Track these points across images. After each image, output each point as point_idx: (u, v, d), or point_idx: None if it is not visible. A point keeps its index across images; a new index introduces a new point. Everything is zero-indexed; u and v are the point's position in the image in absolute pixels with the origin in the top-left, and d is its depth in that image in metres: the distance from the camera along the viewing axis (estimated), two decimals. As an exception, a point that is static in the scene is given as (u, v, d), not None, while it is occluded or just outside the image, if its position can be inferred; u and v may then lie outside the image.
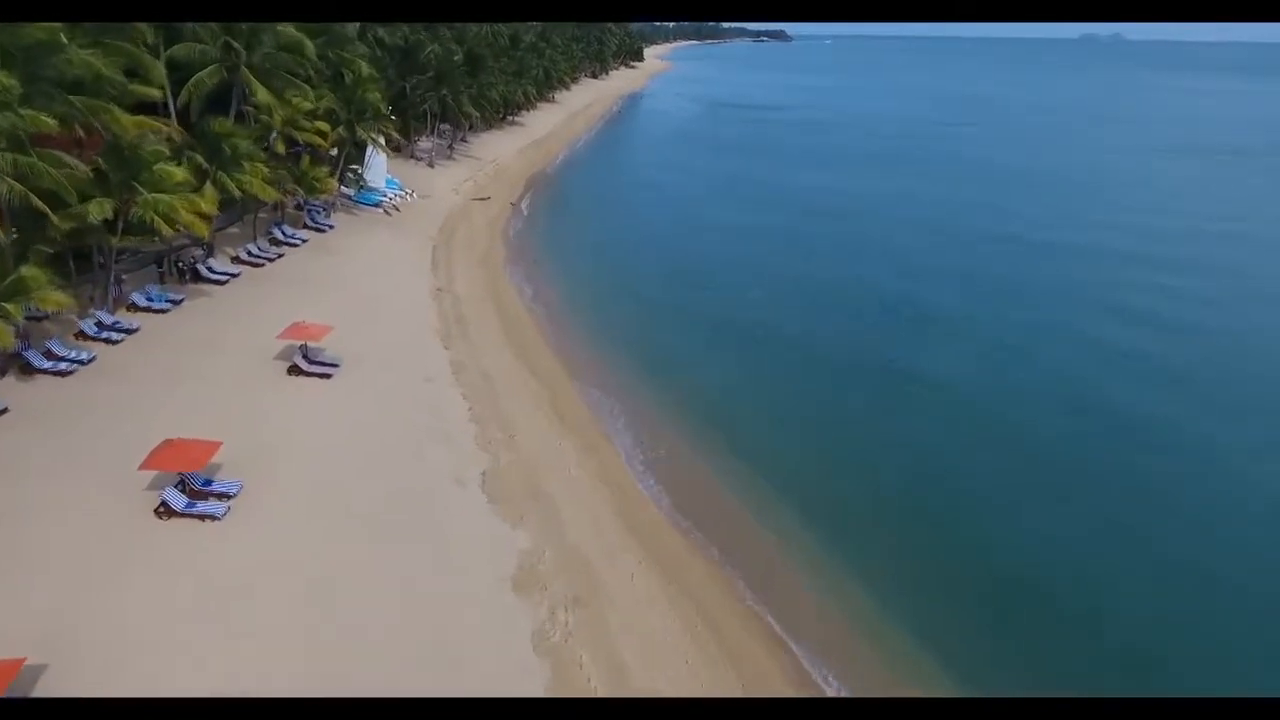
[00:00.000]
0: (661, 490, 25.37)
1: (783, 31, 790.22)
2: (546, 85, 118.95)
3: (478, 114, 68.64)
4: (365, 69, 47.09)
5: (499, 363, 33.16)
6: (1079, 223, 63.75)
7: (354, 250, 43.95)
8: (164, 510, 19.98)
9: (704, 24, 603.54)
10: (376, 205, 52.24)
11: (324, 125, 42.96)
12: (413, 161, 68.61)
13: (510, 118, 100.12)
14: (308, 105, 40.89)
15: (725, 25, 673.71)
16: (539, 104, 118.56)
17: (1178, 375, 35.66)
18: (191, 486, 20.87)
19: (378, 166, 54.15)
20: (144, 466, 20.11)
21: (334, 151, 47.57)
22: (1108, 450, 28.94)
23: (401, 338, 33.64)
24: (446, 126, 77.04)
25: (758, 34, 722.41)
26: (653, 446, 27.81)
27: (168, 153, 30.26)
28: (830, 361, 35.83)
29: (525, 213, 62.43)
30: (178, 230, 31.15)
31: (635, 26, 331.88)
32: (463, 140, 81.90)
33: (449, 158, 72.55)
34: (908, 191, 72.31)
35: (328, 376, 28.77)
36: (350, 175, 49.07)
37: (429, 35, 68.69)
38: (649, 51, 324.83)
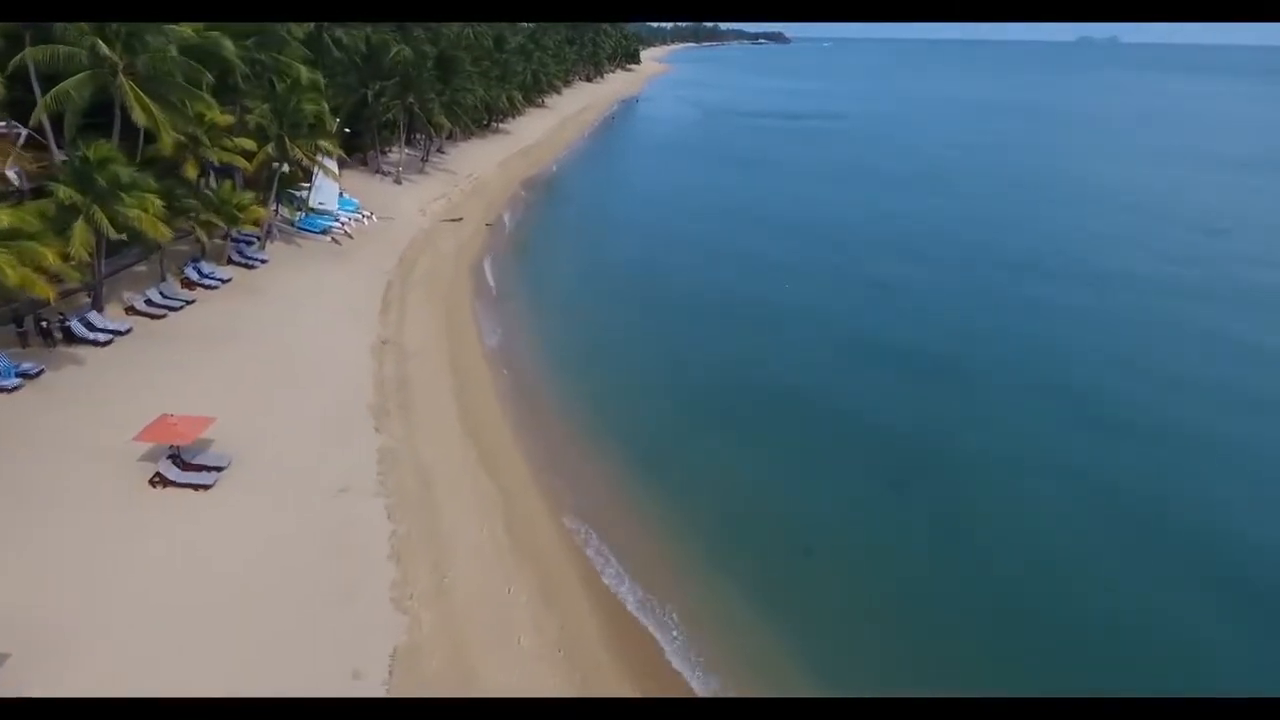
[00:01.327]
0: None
1: (781, 34, 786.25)
2: (535, 89, 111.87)
3: (450, 124, 61.34)
4: (305, 74, 39.88)
5: (443, 454, 25.94)
6: (1122, 244, 56.80)
7: (286, 291, 36.76)
8: None
9: (702, 26, 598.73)
10: (324, 232, 45.04)
11: (249, 142, 35.82)
12: (378, 177, 61.45)
13: (495, 124, 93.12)
14: (223, 119, 33.77)
15: (723, 27, 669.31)
16: (527, 109, 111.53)
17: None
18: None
19: (328, 186, 46.97)
20: None
21: (287, 169, 40.41)
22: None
23: (322, 415, 26.46)
24: (421, 137, 69.96)
25: (756, 36, 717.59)
26: (651, 591, 20.59)
27: None
28: (879, 459, 27.60)
29: (502, 235, 55.31)
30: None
31: (632, 28, 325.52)
32: (439, 151, 74.77)
33: (421, 171, 65.37)
34: (931, 215, 64.73)
35: (205, 487, 21.62)
36: (290, 198, 41.84)
37: (396, 36, 61.54)
38: (646, 54, 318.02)
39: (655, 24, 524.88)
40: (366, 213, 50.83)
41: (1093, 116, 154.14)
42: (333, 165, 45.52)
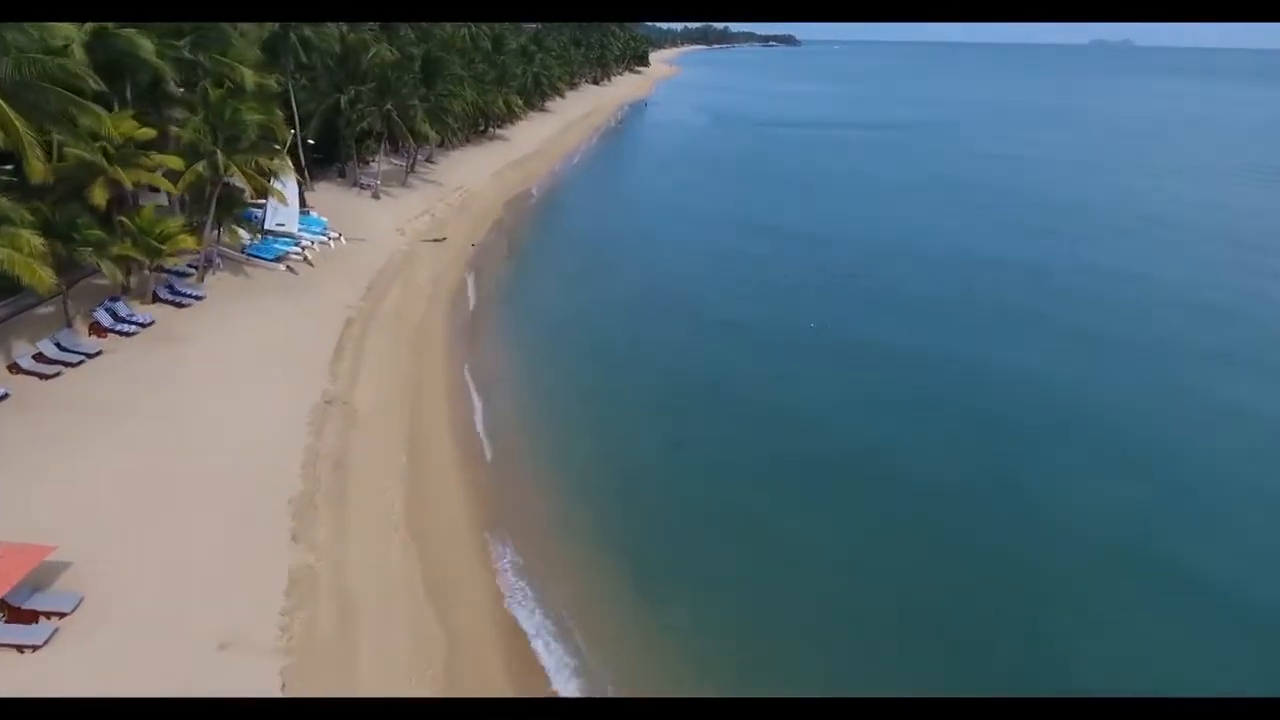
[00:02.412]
0: None
1: (792, 36, 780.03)
2: (537, 93, 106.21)
3: (434, 132, 55.59)
4: (250, 79, 34.14)
5: (377, 573, 20.04)
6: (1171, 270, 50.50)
7: (218, 335, 30.94)
8: None
9: (711, 28, 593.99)
10: (279, 259, 39.28)
11: (174, 160, 30.11)
12: (355, 191, 55.73)
13: (492, 130, 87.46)
14: (143, 133, 28.09)
15: (734, 29, 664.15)
16: (528, 114, 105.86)
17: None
18: None
19: (288, 205, 41.21)
20: None
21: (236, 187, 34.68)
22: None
23: (225, 521, 20.59)
24: (409, 146, 64.27)
25: (766, 39, 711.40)
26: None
27: None
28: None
29: (489, 259, 49.47)
30: None
31: (641, 30, 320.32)
32: (428, 161, 69.08)
33: (404, 184, 59.62)
34: (987, 247, 56.46)
35: (33, 647, 15.81)
36: (239, 221, 36.12)
37: (377, 36, 55.91)
38: (655, 56, 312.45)
39: (665, 26, 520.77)
40: (334, 234, 45.05)
41: (1141, 124, 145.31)
42: (288, 184, 39.74)
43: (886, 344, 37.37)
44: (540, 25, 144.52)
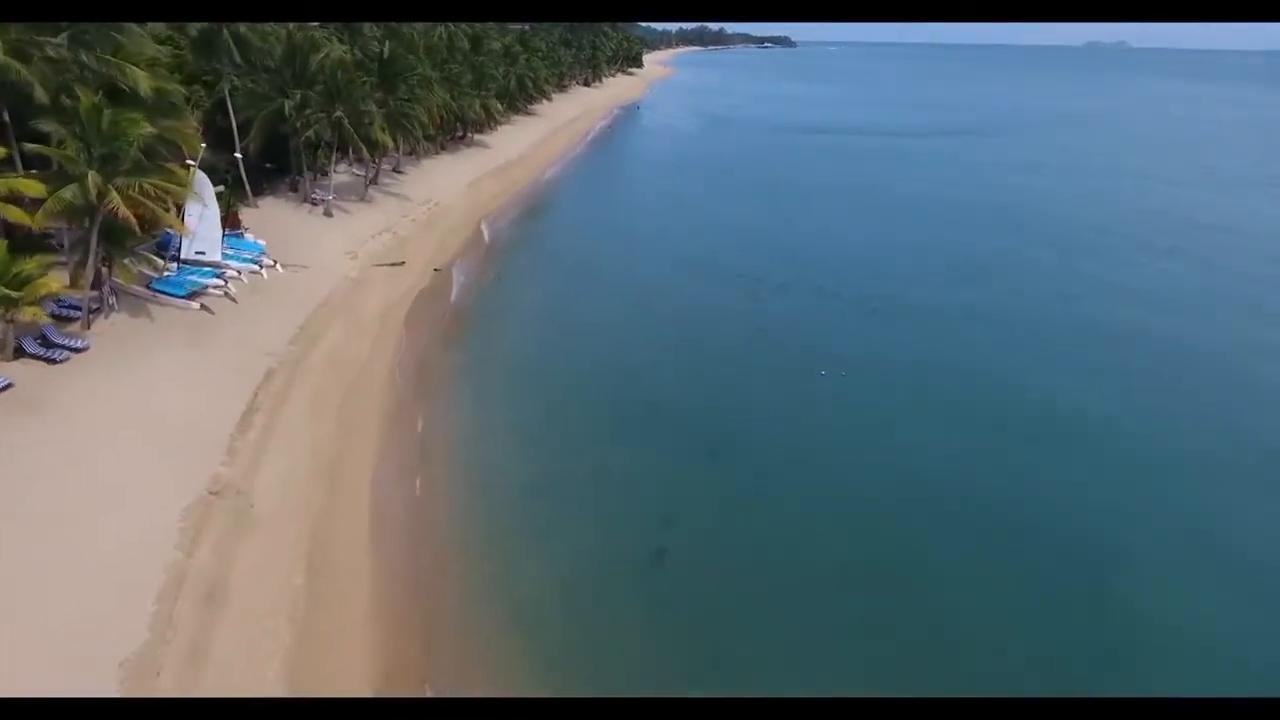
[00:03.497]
0: None
1: (787, 37, 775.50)
2: (522, 96, 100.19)
3: (391, 141, 49.52)
4: (145, 84, 28.07)
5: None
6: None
7: (90, 400, 24.86)
8: None
9: (707, 29, 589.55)
10: (193, 296, 33.20)
11: (29, 184, 24.08)
12: (307, 208, 49.64)
13: (470, 136, 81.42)
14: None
15: (729, 31, 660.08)
16: (512, 118, 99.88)
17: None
18: None
19: (208, 229, 35.19)
20: None
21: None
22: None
23: (32, 669, 14.62)
24: (373, 155, 58.21)
25: (762, 40, 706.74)
26: None
27: None
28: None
29: (452, 285, 43.50)
30: None
31: (635, 30, 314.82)
32: (395, 172, 63.05)
33: (364, 199, 53.53)
34: (1026, 272, 50.68)
35: None
36: (133, 256, 30.06)
37: (328, 34, 49.94)
38: (650, 57, 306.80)
39: (659, 27, 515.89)
40: (269, 261, 38.98)
41: (1165, 129, 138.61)
42: (207, 207, 33.72)
43: (916, 401, 31.49)
44: (528, 25, 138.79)
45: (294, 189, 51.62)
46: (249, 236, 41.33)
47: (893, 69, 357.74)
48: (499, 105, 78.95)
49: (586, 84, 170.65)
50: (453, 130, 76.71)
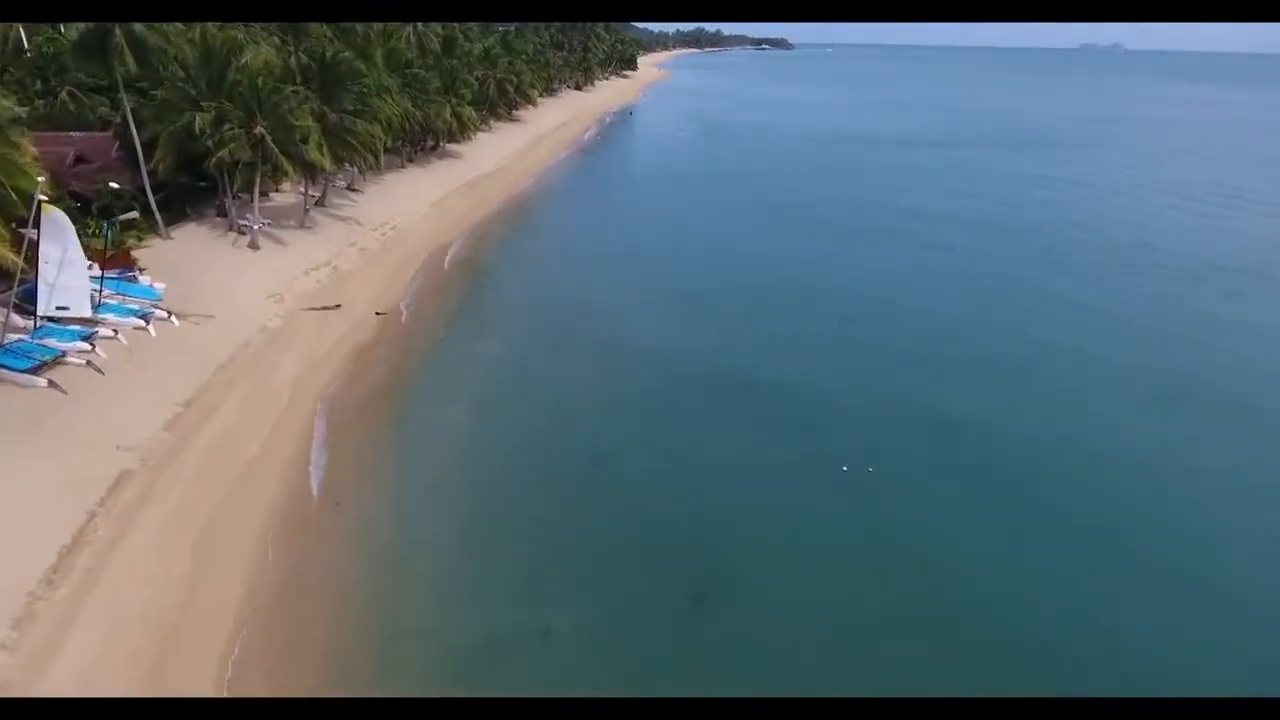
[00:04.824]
0: None
1: (785, 40, 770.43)
2: (503, 102, 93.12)
3: (327, 162, 42.26)
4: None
5: None
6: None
7: None
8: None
9: (704, 31, 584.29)
10: (36, 370, 26.01)
11: None
12: (232, 238, 42.46)
13: (441, 146, 74.35)
14: None
15: (726, 33, 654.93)
16: (493, 125, 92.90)
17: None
18: None
19: (70, 279, 28.03)
20: None
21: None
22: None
23: None
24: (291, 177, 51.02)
25: (759, 42, 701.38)
26: None
27: None
28: None
29: (397, 335, 36.33)
30: None
31: (631, 32, 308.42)
32: (349, 190, 55.95)
33: (303, 226, 46.35)
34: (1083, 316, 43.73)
35: None
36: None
37: (253, 34, 42.84)
38: (646, 59, 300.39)
39: (655, 28, 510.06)
40: (160, 312, 31.79)
41: (1209, 138, 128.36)
42: (55, 252, 26.60)
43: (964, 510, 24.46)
44: (513, 26, 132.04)
45: (223, 213, 44.49)
46: (145, 279, 34.25)
47: (894, 71, 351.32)
48: (472, 113, 71.68)
49: (578, 87, 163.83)
50: (420, 141, 69.68)
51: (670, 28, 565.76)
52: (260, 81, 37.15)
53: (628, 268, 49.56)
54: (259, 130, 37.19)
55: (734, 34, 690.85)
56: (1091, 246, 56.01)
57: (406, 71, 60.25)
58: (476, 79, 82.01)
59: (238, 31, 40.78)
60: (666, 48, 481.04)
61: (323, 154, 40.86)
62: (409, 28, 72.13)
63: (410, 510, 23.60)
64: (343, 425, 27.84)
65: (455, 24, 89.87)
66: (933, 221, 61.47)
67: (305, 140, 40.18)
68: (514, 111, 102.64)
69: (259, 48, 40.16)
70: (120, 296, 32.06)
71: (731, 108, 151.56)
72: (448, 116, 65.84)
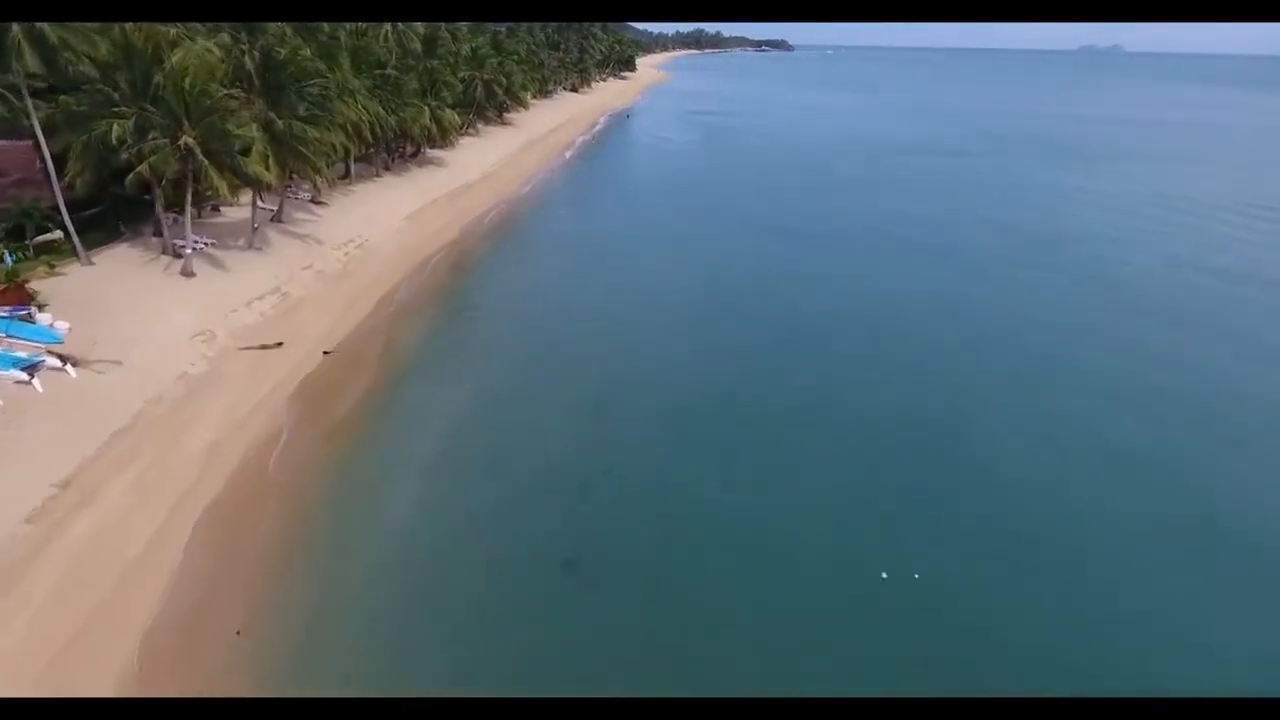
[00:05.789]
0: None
1: (785, 41, 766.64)
2: (491, 104, 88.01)
3: (272, 176, 36.91)
4: None
5: None
6: None
7: None
8: None
9: (704, 32, 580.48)
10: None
11: None
12: (165, 261, 37.23)
13: (425, 153, 69.25)
14: None
15: (726, 34, 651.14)
16: (484, 129, 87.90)
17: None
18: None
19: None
20: None
21: None
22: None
23: None
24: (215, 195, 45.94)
25: (759, 43, 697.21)
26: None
27: None
28: None
29: (346, 380, 31.07)
30: None
31: (630, 33, 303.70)
32: (313, 202, 50.78)
33: (251, 245, 41.14)
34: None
35: None
36: None
37: (185, 31, 37.56)
38: (645, 60, 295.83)
39: (655, 29, 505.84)
40: (54, 361, 26.55)
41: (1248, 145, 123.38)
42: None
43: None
44: (504, 26, 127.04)
45: (159, 233, 39.24)
46: (43, 318, 29.02)
47: (896, 73, 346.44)
48: (454, 116, 66.49)
49: (574, 89, 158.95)
50: (398, 148, 64.54)
51: (670, 28, 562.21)
52: (188, 84, 31.83)
53: (618, 286, 44.25)
54: (186, 140, 31.89)
55: (734, 35, 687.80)
56: (1158, 278, 50.81)
57: (378, 72, 54.99)
58: (461, 80, 76.89)
59: (171, 27, 35.41)
60: (666, 49, 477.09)
61: (267, 166, 35.52)
62: (386, 25, 66.90)
63: (334, 644, 18.34)
64: (257, 514, 22.54)
65: (443, 23, 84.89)
66: (956, 237, 56.34)
67: (247, 151, 34.91)
68: (505, 114, 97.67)
69: (192, 45, 34.75)
70: (6, 341, 26.86)
71: (733, 111, 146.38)
72: (426, 121, 60.61)
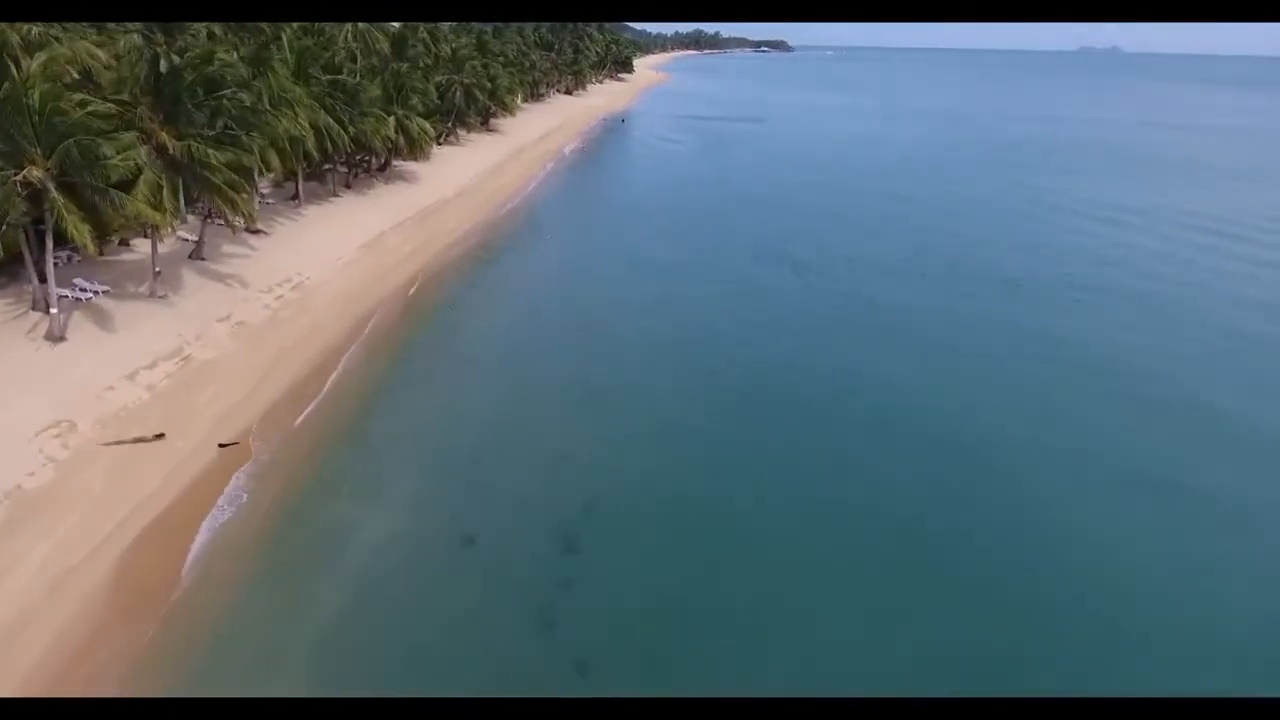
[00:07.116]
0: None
1: (784, 42, 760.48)
2: (472, 111, 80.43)
3: (161, 216, 29.18)
4: None
5: None
6: None
7: None
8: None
9: (703, 32, 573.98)
10: None
11: None
12: (35, 319, 29.63)
13: (394, 166, 61.81)
14: None
15: (725, 35, 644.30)
16: (466, 136, 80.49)
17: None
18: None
19: None
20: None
21: None
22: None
23: None
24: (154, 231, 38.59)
25: (758, 44, 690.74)
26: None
27: None
28: None
29: (242, 497, 23.52)
30: None
31: (629, 34, 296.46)
32: (246, 231, 43.14)
33: (151, 292, 33.52)
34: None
35: None
36: None
37: (75, 32, 30.09)
38: (644, 61, 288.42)
39: (654, 30, 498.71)
40: None
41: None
42: None
43: None
44: (490, 26, 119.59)
45: (43, 278, 31.61)
46: None
47: (897, 74, 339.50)
48: (426, 125, 58.95)
49: (568, 92, 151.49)
50: (361, 162, 57.07)
51: (669, 29, 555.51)
52: (39, 98, 24.26)
53: (604, 332, 36.82)
54: (37, 175, 24.31)
55: (733, 35, 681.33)
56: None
57: (330, 78, 47.45)
58: (437, 85, 69.36)
59: (32, 26, 27.84)
60: (665, 49, 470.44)
61: (159, 201, 27.93)
62: (349, 25, 59.40)
63: None
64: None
65: (421, 24, 77.43)
66: (986, 258, 48.96)
67: (129, 185, 27.33)
68: (490, 121, 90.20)
69: (57, 47, 27.23)
70: None
71: (733, 115, 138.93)
72: (390, 132, 53.07)
